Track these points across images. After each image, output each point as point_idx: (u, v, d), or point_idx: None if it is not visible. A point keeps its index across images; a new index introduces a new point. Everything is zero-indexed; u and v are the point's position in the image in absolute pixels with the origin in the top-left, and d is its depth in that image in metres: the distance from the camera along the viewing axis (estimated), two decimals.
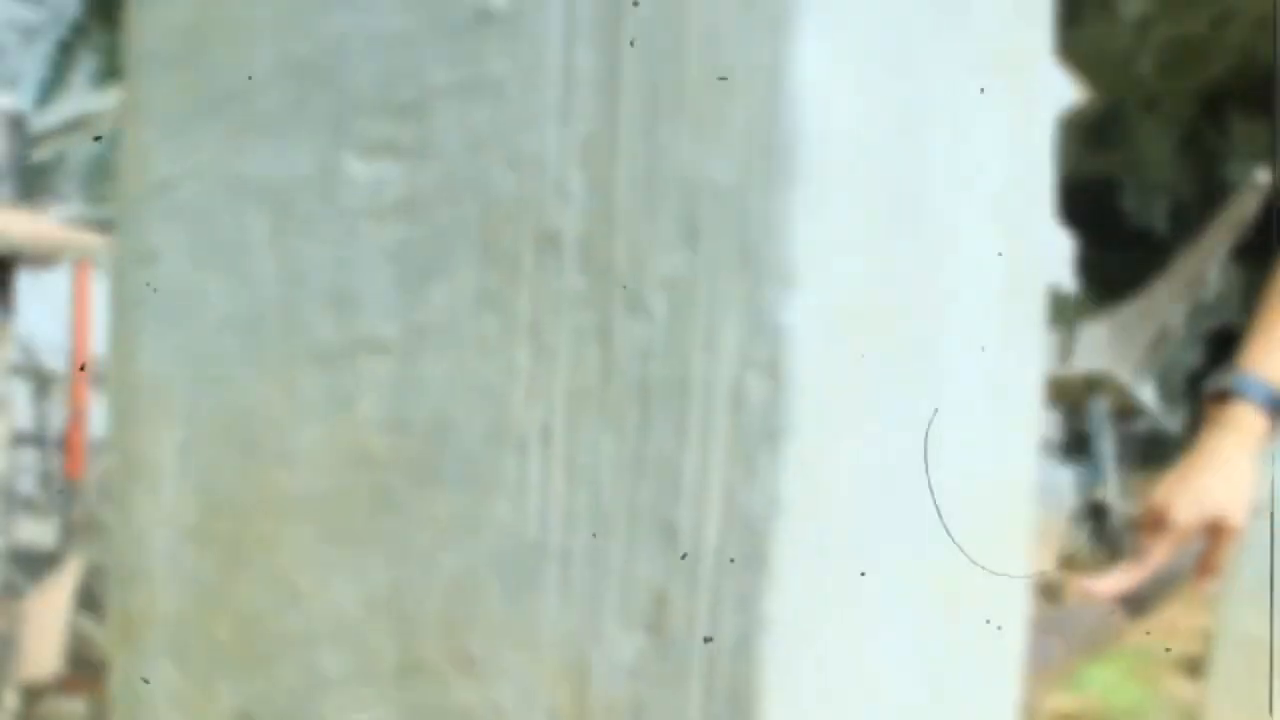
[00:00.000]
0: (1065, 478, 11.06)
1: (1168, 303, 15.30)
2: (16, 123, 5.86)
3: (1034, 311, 0.88)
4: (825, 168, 0.62)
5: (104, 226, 8.81)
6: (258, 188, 0.75)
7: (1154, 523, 1.34)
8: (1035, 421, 0.88)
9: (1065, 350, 15.87)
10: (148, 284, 0.79)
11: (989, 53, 0.79)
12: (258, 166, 0.75)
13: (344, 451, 0.72)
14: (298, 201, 0.74)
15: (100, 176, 9.20)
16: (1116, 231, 24.59)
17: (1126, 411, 13.43)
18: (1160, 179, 24.17)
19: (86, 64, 8.92)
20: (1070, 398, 12.43)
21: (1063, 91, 14.03)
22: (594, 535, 0.64)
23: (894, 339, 0.70)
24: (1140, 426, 14.01)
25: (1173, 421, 24.27)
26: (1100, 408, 12.30)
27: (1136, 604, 1.32)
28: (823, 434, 0.63)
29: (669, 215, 0.63)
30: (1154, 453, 16.77)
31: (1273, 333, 1.40)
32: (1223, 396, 1.38)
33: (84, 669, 3.69)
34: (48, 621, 3.06)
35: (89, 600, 3.42)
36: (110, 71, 9.01)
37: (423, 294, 0.69)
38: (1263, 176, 14.83)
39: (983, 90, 0.78)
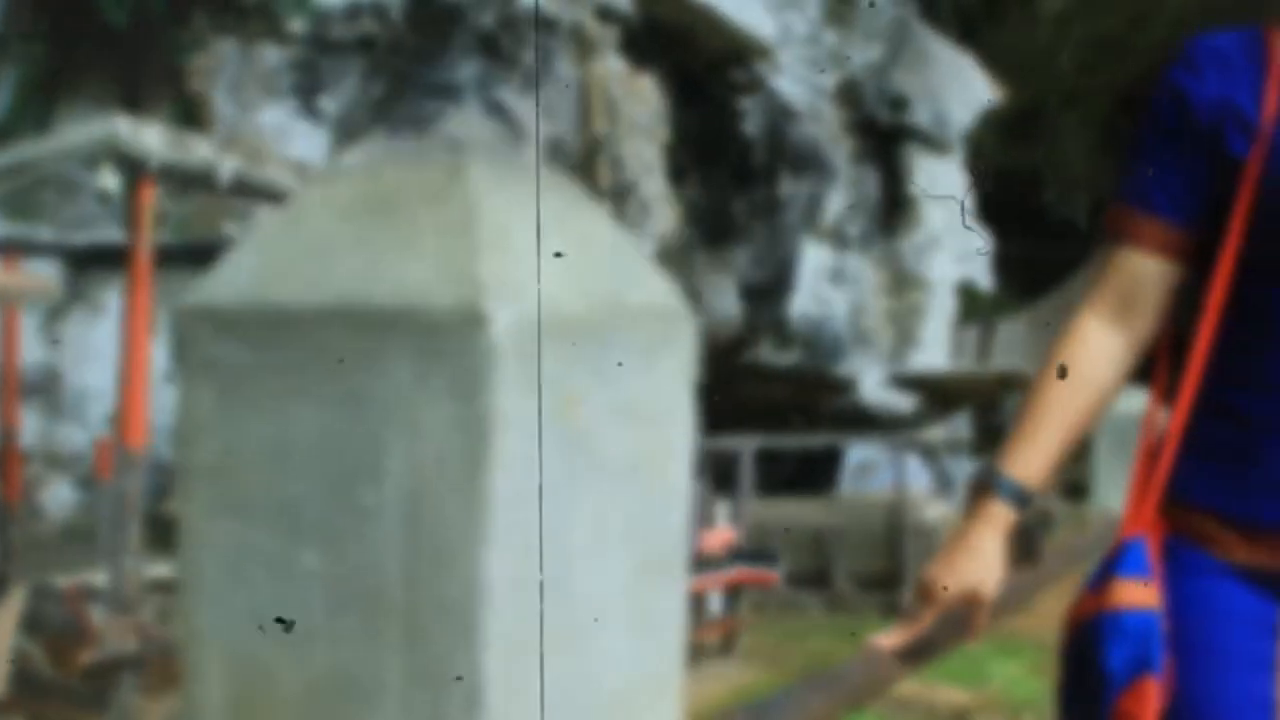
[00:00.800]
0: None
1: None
2: None
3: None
4: None
5: (20, 244, 8.79)
6: None
7: (923, 593, 1.67)
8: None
9: (984, 346, 16.14)
10: None
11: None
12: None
13: None
14: None
15: (19, 191, 9.13)
16: (1038, 225, 24.92)
17: None
18: (1080, 174, 24.48)
19: (6, 76, 8.87)
20: (984, 396, 12.69)
21: (980, 92, 14.23)
22: None
23: None
24: None
25: None
26: (1013, 406, 12.53)
27: (914, 655, 1.66)
28: None
29: None
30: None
31: (1023, 439, 1.72)
32: (983, 490, 1.70)
33: (25, 690, 3.71)
34: None
35: (31, 623, 3.45)
36: (30, 82, 8.97)
37: None
38: None
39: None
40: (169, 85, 9.82)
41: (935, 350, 14.08)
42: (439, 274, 0.87)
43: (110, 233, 9.70)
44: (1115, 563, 1.71)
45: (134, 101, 9.69)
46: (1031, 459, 1.72)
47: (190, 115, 9.88)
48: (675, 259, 11.13)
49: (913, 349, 13.75)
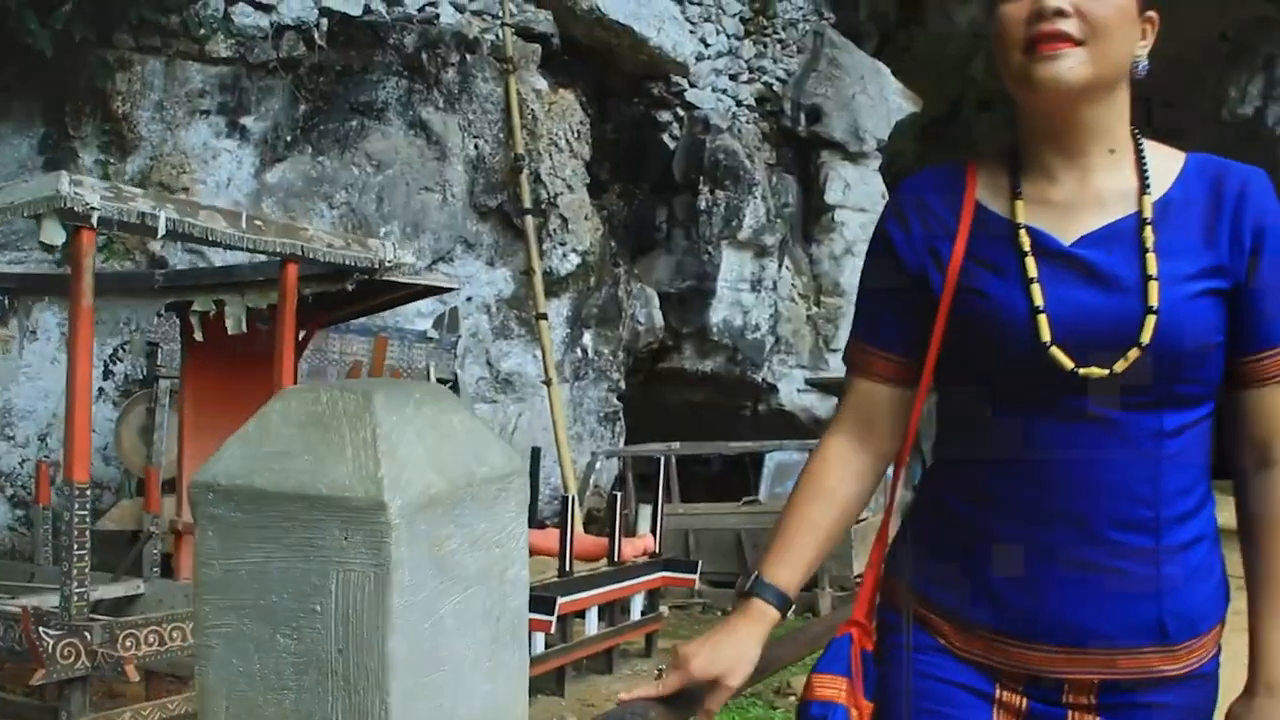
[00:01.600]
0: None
1: None
2: None
3: None
4: None
5: None
6: None
7: (678, 663, 1.85)
8: None
9: None
10: None
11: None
12: None
13: None
14: None
15: None
16: None
17: None
18: None
19: None
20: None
21: (894, 101, 14.51)
22: None
23: None
24: None
25: None
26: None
27: (679, 707, 1.84)
28: None
29: None
30: None
31: (781, 550, 1.92)
32: (749, 592, 1.91)
33: None
34: None
35: None
36: None
37: None
38: None
39: None
40: (94, 106, 9.84)
41: None
42: (356, 472, 1.36)
43: (40, 253, 9.81)
44: (821, 658, 1.92)
45: (59, 123, 9.74)
46: (789, 567, 1.91)
47: (115, 135, 9.93)
48: (598, 269, 11.36)
49: (832, 354, 14.00)
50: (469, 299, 10.31)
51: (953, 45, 20.49)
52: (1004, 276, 1.81)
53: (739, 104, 14.51)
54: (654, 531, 8.21)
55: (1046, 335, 1.75)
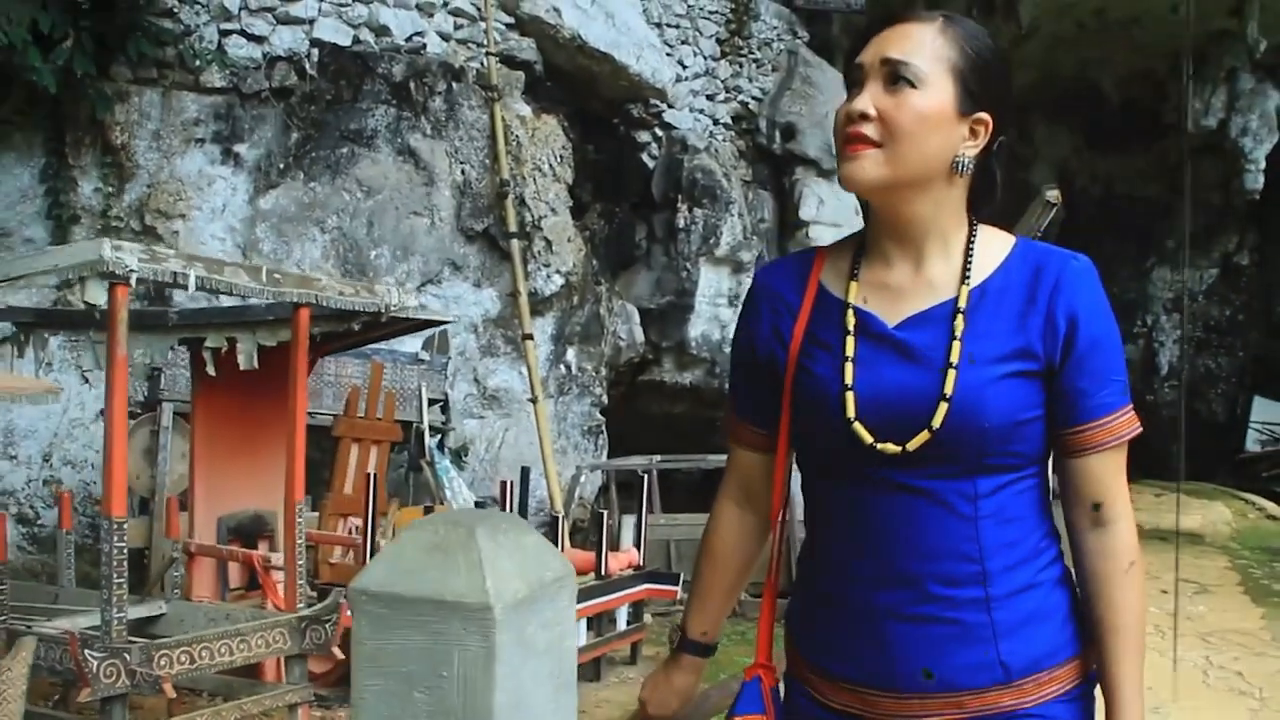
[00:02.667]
0: None
1: None
2: None
3: None
4: None
5: None
6: None
7: (641, 709, 2.24)
8: None
9: None
10: None
11: None
12: None
13: None
14: None
15: None
16: None
17: None
18: None
19: None
20: None
21: None
22: None
23: None
24: None
25: None
26: None
27: None
28: None
29: None
30: None
31: (694, 607, 2.26)
32: (675, 644, 2.27)
33: None
34: (15, 688, 3.68)
35: (38, 666, 4.04)
36: None
37: None
38: (1051, 193, 15.83)
39: None
40: (93, 136, 10.16)
41: None
42: (469, 585, 1.89)
43: (43, 278, 10.12)
44: (736, 703, 2.13)
45: (59, 153, 10.06)
46: (703, 619, 2.24)
47: (114, 164, 10.25)
48: (580, 289, 11.72)
49: None
50: (457, 318, 10.65)
51: None
52: (830, 354, 1.96)
53: (716, 123, 14.86)
54: (637, 544, 8.57)
55: (851, 411, 1.90)
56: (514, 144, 11.15)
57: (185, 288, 4.43)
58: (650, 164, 13.72)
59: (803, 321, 2.01)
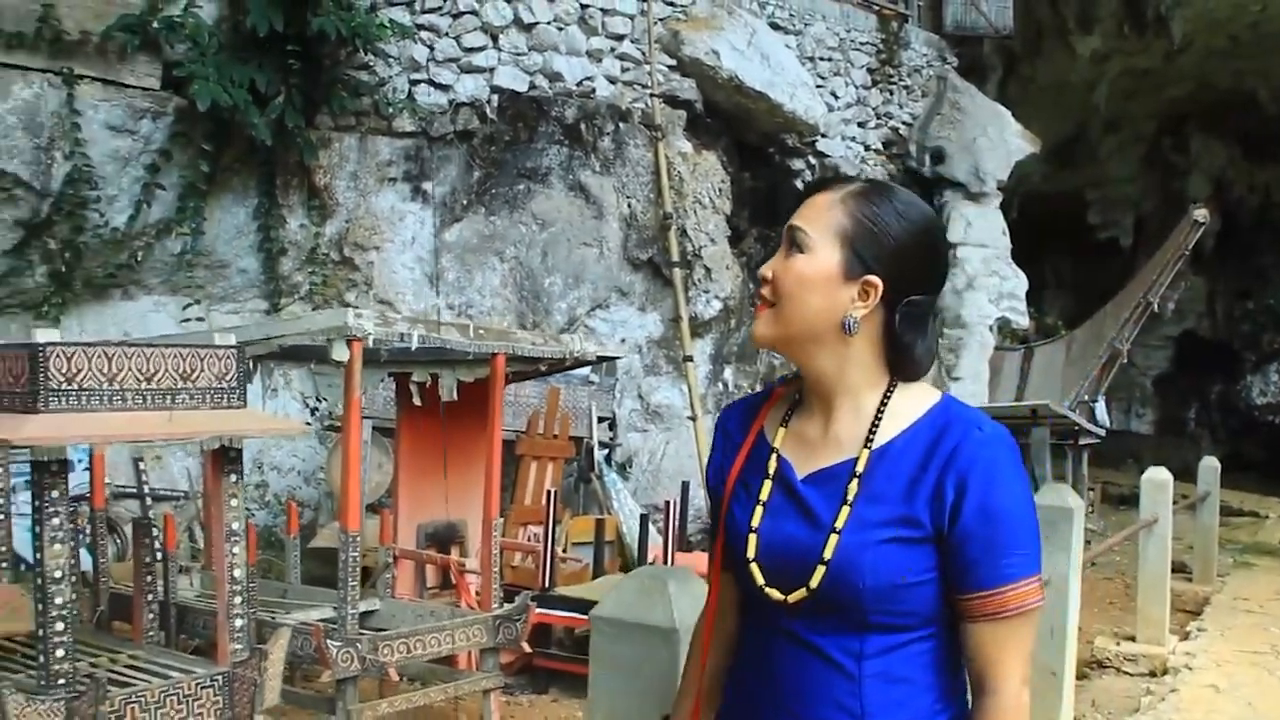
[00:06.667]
0: None
1: (1115, 329, 16.48)
2: None
3: None
4: None
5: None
6: None
7: None
8: None
9: (1024, 374, 17.14)
10: None
11: None
12: None
13: None
14: None
15: (181, 269, 10.73)
16: (1085, 243, 25.57)
17: (1068, 433, 14.70)
18: (1123, 194, 25.06)
19: (171, 180, 10.42)
20: (1015, 426, 13.55)
21: (1015, 141, 15.21)
22: None
23: None
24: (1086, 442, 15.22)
25: (1142, 424, 25.32)
26: (1041, 434, 13.63)
27: None
28: None
29: None
30: (1100, 460, 18.05)
31: (678, 706, 2.28)
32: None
33: (287, 700, 5.39)
34: (275, 669, 4.65)
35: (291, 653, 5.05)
36: (190, 186, 10.48)
37: None
38: (1199, 213, 16.16)
39: None
40: (300, 179, 11.31)
41: (974, 383, 15.19)
42: (662, 615, 2.34)
43: (254, 303, 11.34)
44: None
45: (270, 194, 11.22)
46: (686, 713, 2.23)
47: (317, 203, 11.38)
48: (737, 312, 12.55)
49: (953, 383, 14.93)
50: (622, 340, 11.54)
51: (1075, 74, 21.10)
52: (749, 495, 2.02)
53: (867, 149, 15.54)
54: None
55: (751, 552, 1.96)
56: (676, 179, 12.00)
57: (410, 347, 5.43)
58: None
59: (740, 460, 2.07)
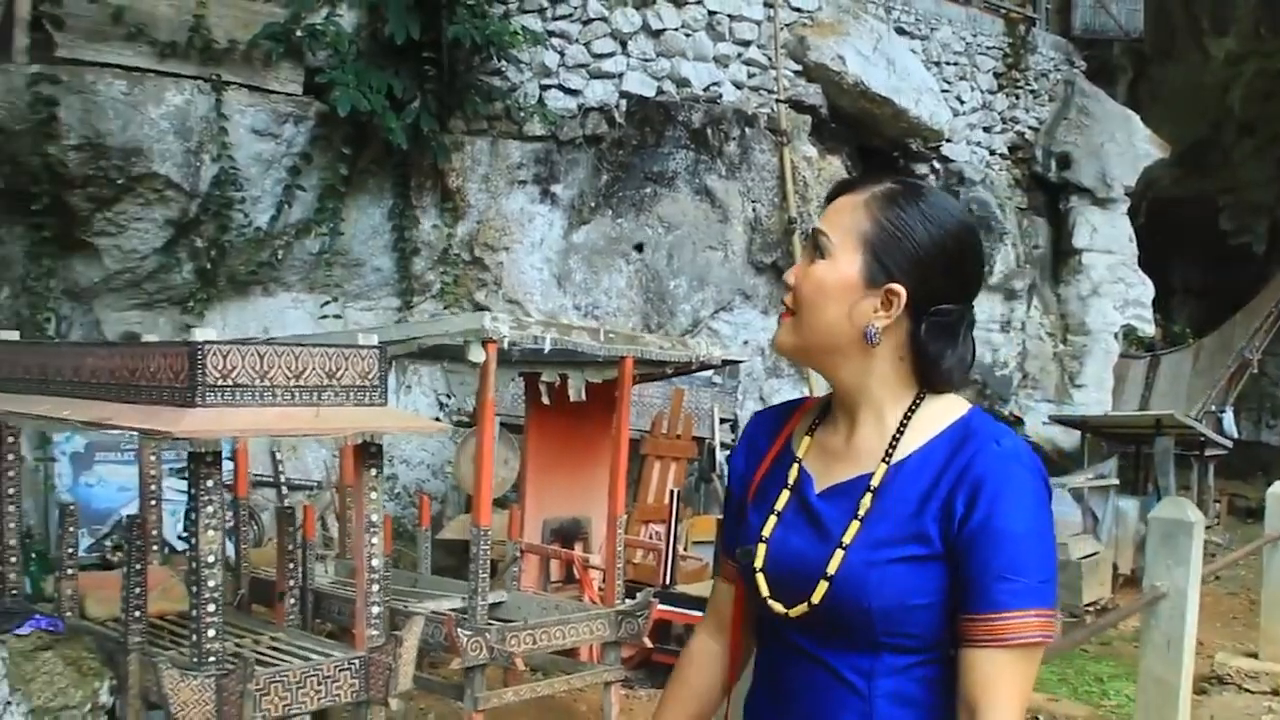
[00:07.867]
0: (1130, 506, 12.28)
1: (1245, 337, 16.20)
2: None
3: None
4: None
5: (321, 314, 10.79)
6: None
7: None
8: None
9: (1149, 381, 16.86)
10: None
11: None
12: None
13: None
14: None
15: (318, 267, 11.12)
16: (1216, 249, 25.06)
17: (1193, 443, 14.47)
18: (1258, 199, 24.50)
19: (311, 181, 10.81)
20: (1139, 434, 13.42)
21: (1143, 145, 15.01)
22: None
23: None
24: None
25: (1273, 435, 24.76)
26: (1165, 444, 13.44)
27: None
28: None
29: None
30: (1228, 472, 17.75)
31: None
32: None
33: (418, 686, 5.68)
34: (408, 655, 4.89)
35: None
36: (328, 188, 10.86)
37: None
38: None
39: None
40: (433, 181, 11.65)
41: (1098, 391, 15.08)
42: None
43: (388, 301, 11.70)
44: None
45: (404, 196, 11.58)
46: None
47: (449, 204, 11.71)
48: None
49: (1077, 389, 14.83)
50: (745, 343, 11.68)
51: (1209, 76, 20.73)
52: (767, 504, 1.96)
53: (992, 153, 15.46)
54: None
55: (760, 561, 1.90)
56: (801, 183, 12.10)
57: (543, 349, 5.66)
58: None
59: (763, 469, 2.02)
